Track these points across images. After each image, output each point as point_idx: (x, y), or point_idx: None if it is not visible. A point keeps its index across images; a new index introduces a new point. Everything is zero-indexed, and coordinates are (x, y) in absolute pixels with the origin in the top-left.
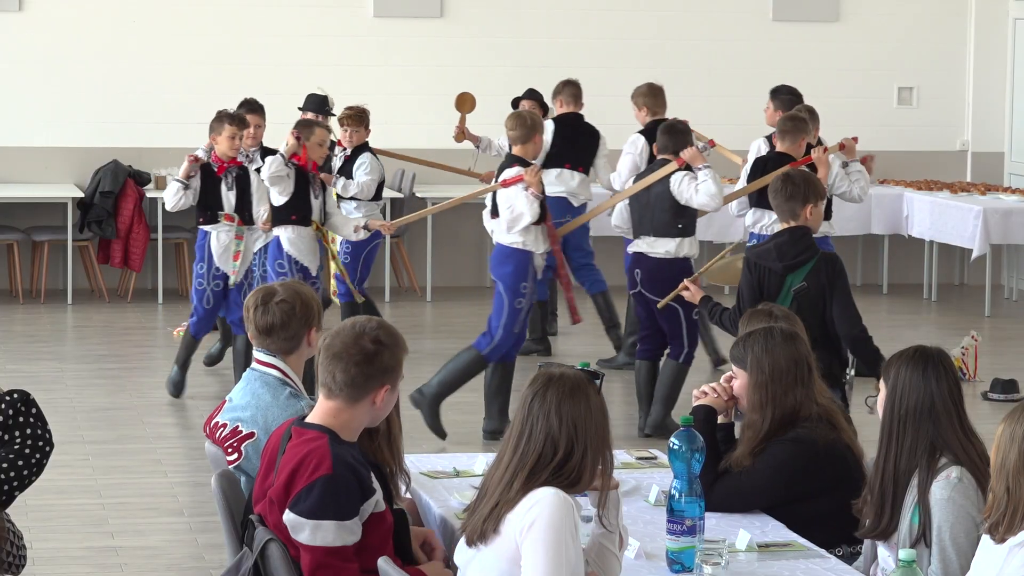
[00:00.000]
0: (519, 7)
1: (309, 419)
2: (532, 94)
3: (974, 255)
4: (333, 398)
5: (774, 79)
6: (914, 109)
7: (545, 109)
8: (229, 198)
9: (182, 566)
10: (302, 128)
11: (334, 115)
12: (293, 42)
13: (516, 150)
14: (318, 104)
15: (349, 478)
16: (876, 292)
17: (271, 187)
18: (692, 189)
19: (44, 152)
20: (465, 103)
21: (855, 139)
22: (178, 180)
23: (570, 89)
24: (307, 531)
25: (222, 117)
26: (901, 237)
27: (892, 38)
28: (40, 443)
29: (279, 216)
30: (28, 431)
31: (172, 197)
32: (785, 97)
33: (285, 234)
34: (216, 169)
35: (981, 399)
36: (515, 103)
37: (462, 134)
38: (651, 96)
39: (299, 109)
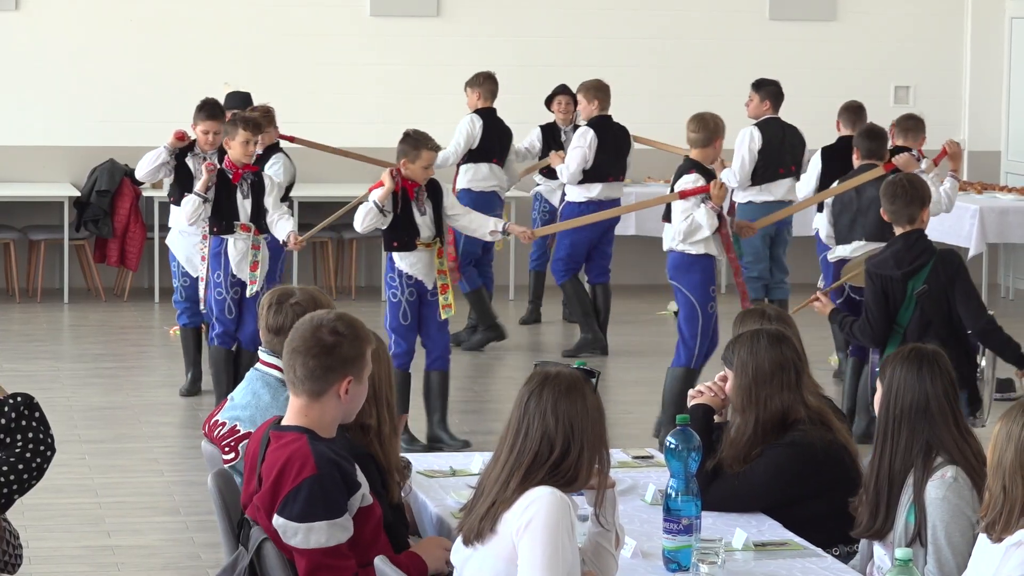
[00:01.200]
0: (515, 6)
1: (284, 421)
2: (564, 89)
3: (971, 254)
4: (298, 395)
5: (770, 78)
6: (911, 108)
7: (575, 103)
8: (245, 207)
9: (178, 565)
10: (408, 151)
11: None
12: (290, 41)
13: (695, 154)
14: (242, 101)
15: (334, 475)
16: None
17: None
18: (939, 191)
19: (40, 151)
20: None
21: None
22: (198, 195)
23: (489, 85)
24: (300, 535)
25: (236, 121)
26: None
27: (889, 37)
28: (41, 447)
29: (384, 240)
30: (30, 435)
31: (192, 213)
32: (770, 88)
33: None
34: (231, 176)
35: None
36: (548, 101)
37: None
38: (603, 91)
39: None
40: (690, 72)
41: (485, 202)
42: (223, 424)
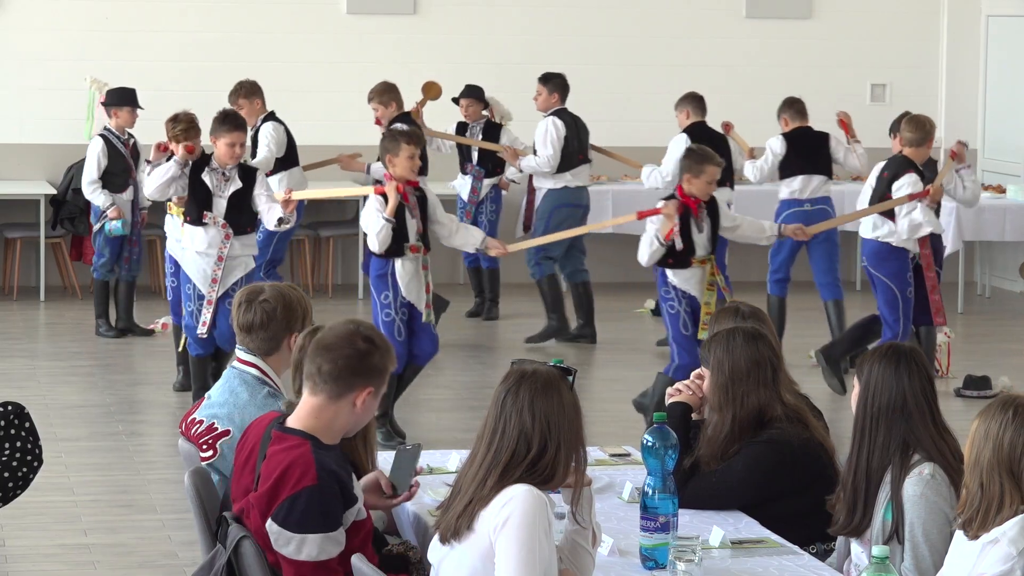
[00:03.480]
0: (492, 3)
1: (290, 422)
2: (469, 92)
3: (947, 252)
4: (317, 393)
5: (747, 76)
6: (887, 106)
7: (485, 105)
8: (413, 226)
9: (155, 563)
10: (691, 167)
11: (142, 108)
12: (266, 39)
13: (908, 152)
14: (127, 97)
15: (333, 487)
16: (850, 289)
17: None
18: (961, 186)
19: (17, 149)
20: (431, 89)
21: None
22: (386, 219)
23: (261, 90)
24: (292, 545)
25: (396, 135)
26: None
27: (865, 35)
28: (28, 457)
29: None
30: (18, 444)
31: (383, 241)
32: (557, 81)
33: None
34: (403, 196)
35: (954, 396)
36: (457, 100)
37: (417, 114)
38: (393, 93)
39: (103, 105)
40: (667, 70)
41: (300, 207)
42: (201, 422)
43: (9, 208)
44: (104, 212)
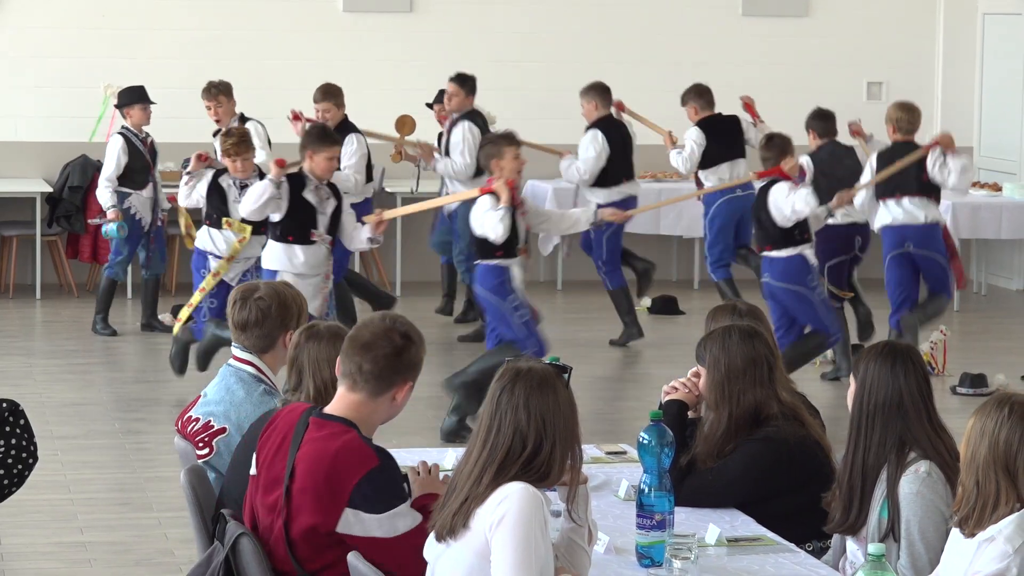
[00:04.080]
0: (489, 1)
1: (329, 410)
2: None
3: None
4: (356, 390)
5: (743, 74)
6: (883, 104)
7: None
8: (522, 227)
9: (151, 561)
10: (785, 145)
11: (154, 103)
12: (263, 37)
13: (904, 138)
14: (136, 95)
15: (394, 464)
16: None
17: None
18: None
19: (13, 147)
20: (405, 126)
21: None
22: (504, 208)
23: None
24: (387, 525)
25: (498, 140)
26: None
27: (861, 33)
28: (24, 455)
29: (789, 238)
30: (13, 441)
31: (507, 227)
32: (472, 82)
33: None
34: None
35: (950, 393)
36: (430, 107)
37: (399, 156)
38: (337, 95)
39: (116, 107)
40: (663, 68)
41: None
42: (197, 420)
43: (5, 206)
44: (104, 213)
